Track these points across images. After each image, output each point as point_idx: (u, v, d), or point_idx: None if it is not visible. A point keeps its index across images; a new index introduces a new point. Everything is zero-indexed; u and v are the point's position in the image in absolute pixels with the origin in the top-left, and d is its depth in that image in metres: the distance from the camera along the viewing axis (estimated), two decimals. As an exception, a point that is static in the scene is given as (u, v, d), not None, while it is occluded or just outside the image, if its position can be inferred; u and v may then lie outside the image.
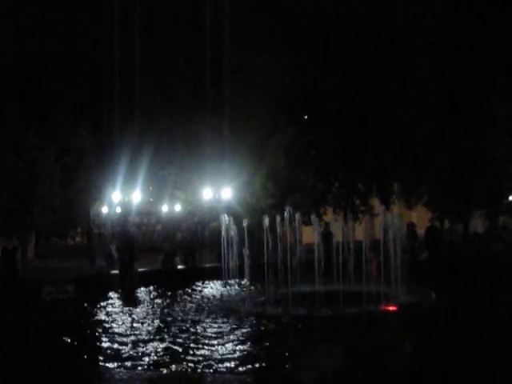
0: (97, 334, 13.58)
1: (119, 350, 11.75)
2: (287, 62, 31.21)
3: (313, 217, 21.56)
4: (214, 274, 22.98)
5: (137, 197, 38.88)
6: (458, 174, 28.93)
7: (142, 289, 21.92)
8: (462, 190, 29.10)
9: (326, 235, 22.06)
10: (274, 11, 31.90)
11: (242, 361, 10.55)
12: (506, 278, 19.19)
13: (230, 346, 11.83)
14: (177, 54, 40.27)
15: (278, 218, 18.74)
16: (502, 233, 29.27)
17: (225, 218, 21.44)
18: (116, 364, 10.51)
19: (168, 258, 25.93)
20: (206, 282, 23.02)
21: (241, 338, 12.54)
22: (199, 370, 10.02)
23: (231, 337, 12.70)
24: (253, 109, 31.57)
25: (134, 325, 14.64)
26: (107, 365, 10.52)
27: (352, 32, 30.40)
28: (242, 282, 22.21)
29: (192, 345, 11.99)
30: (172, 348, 11.77)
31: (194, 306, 17.52)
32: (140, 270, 24.15)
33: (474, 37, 29.06)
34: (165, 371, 10.01)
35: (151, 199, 44.64)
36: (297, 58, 31.21)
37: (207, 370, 10.00)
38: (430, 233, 28.05)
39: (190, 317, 15.49)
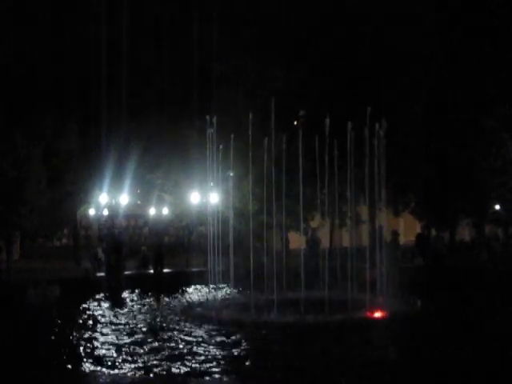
0: (80, 336, 13.50)
1: (102, 353, 11.69)
2: (276, 68, 31.24)
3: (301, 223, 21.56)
4: (201, 279, 22.96)
5: (124, 199, 38.73)
6: (446, 183, 29.08)
7: (128, 291, 21.86)
8: (448, 199, 29.24)
9: (313, 241, 22.08)
10: (264, 17, 31.98)
11: (223, 365, 10.56)
12: (489, 287, 19.35)
13: (209, 350, 11.81)
14: (165, 58, 40.29)
15: (265, 224, 18.71)
16: (491, 241, 29.43)
17: (212, 223, 21.37)
18: (98, 367, 10.46)
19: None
20: (193, 286, 22.97)
21: (218, 343, 12.51)
22: (182, 374, 10.02)
23: (211, 342, 12.68)
24: (241, 113, 31.55)
25: (118, 327, 14.58)
26: (89, 368, 10.46)
27: (342, 41, 30.51)
28: (228, 287, 22.14)
29: (173, 349, 11.97)
30: (155, 352, 11.72)
31: (177, 310, 17.46)
32: (126, 272, 24.06)
33: (463, 51, 29.32)
34: (148, 375, 9.98)
35: (139, 202, 44.53)
36: (286, 64, 31.25)
37: (190, 375, 10.00)
38: (420, 240, 28.10)
39: (172, 321, 15.47)
